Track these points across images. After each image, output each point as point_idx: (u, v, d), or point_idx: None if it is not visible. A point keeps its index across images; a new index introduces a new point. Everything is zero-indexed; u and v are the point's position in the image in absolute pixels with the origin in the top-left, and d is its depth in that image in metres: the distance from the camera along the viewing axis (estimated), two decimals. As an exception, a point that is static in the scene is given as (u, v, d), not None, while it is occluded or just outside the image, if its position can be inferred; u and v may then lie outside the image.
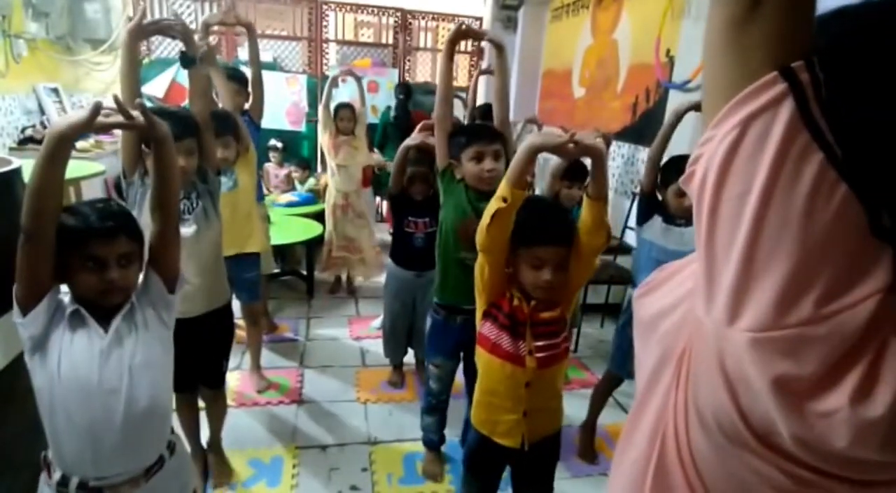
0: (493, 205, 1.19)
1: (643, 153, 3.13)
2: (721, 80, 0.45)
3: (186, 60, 1.56)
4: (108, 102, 1.00)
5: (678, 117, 1.84)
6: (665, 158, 1.88)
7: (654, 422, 0.56)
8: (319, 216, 3.64)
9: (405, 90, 4.46)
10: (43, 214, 0.95)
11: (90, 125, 0.94)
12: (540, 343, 1.29)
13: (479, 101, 4.00)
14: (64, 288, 1.05)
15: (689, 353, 0.51)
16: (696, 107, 1.81)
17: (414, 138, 2.13)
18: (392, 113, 4.45)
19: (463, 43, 6.36)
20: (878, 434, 0.38)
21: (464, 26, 1.70)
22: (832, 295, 0.39)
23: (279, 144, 4.24)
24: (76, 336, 1.01)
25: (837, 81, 0.40)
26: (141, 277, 1.11)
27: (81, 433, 1.01)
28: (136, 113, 1.00)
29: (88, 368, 1.00)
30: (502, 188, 1.18)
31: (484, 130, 1.72)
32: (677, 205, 1.86)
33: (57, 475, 1.04)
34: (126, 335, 1.05)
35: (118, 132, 1.52)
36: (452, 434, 2.08)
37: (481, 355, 1.36)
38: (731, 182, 0.42)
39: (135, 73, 1.51)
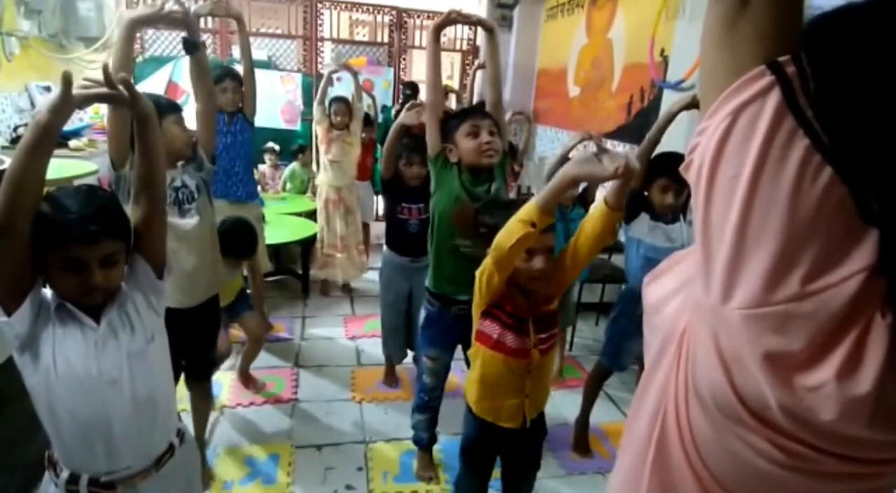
0: (520, 229, 1.16)
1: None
2: (715, 74, 0.48)
3: (190, 46, 1.59)
4: (97, 75, 0.94)
5: (670, 118, 1.84)
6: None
7: (656, 400, 0.59)
8: (314, 215, 3.64)
9: (412, 87, 4.43)
10: (18, 207, 0.88)
11: (68, 100, 0.88)
12: (542, 336, 1.36)
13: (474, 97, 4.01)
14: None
15: (689, 334, 0.54)
16: (688, 106, 1.81)
17: (409, 117, 2.10)
18: (395, 109, 4.45)
19: (459, 42, 6.30)
20: (865, 411, 0.40)
21: (453, 14, 1.68)
22: (818, 273, 0.41)
23: (276, 147, 4.24)
24: (67, 331, 0.97)
25: (825, 74, 0.42)
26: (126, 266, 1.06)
27: (88, 427, 0.98)
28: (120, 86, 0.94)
29: (85, 362, 0.97)
30: (531, 212, 1.16)
31: (476, 108, 1.74)
32: (661, 201, 1.89)
33: (65, 475, 1.01)
34: (119, 325, 1.02)
35: None
36: (449, 433, 2.09)
37: (482, 351, 1.38)
38: (723, 167, 0.45)
39: (128, 66, 1.49)
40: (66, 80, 0.86)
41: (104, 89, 0.93)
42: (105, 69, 0.93)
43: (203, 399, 1.90)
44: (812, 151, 0.41)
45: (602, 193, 1.29)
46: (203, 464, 1.92)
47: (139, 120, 1.01)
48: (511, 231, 1.18)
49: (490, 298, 1.33)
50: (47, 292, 0.99)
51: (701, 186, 0.47)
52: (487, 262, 1.28)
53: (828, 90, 0.42)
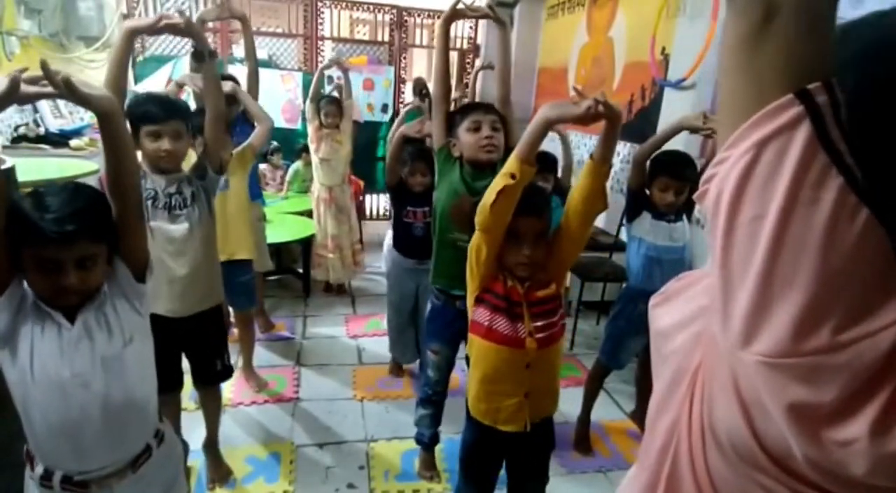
0: (500, 181, 1.14)
1: (638, 151, 3.14)
2: (734, 99, 0.44)
3: (198, 56, 1.56)
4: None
5: (676, 131, 1.85)
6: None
7: (666, 435, 0.57)
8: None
9: (425, 86, 4.32)
10: None
11: (7, 100, 0.86)
12: (539, 323, 1.27)
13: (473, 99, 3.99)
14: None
15: (704, 369, 0.51)
16: (695, 130, 1.82)
17: (411, 128, 2.13)
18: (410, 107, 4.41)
19: (458, 40, 6.30)
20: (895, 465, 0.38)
21: (460, 4, 1.65)
22: (851, 322, 0.38)
23: (278, 147, 4.24)
24: (45, 330, 0.96)
25: (857, 101, 0.39)
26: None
27: (59, 428, 0.98)
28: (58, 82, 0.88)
29: (58, 362, 0.96)
30: (510, 164, 1.14)
31: (480, 104, 1.72)
32: (661, 199, 1.90)
33: (39, 469, 1.01)
34: (95, 326, 1.00)
35: None
36: (451, 432, 2.09)
37: (475, 343, 1.32)
38: (745, 205, 0.42)
39: (124, 74, 1.43)
40: (15, 83, 0.85)
41: (44, 89, 0.88)
42: (43, 65, 0.87)
43: (212, 399, 1.89)
44: (847, 191, 0.37)
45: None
46: (219, 461, 1.93)
47: (99, 118, 0.95)
48: (493, 187, 1.16)
49: (481, 278, 1.28)
50: (28, 288, 0.98)
51: (719, 222, 0.44)
52: (475, 235, 1.25)
53: (860, 120, 0.38)
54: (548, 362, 1.32)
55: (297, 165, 4.21)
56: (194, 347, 1.74)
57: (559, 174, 2.73)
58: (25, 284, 0.98)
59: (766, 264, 0.40)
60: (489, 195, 1.16)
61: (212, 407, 1.91)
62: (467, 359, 1.90)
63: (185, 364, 1.81)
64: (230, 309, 2.45)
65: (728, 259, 0.43)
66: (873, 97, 0.39)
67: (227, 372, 1.84)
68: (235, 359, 2.60)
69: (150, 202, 1.54)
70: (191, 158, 1.79)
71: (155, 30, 1.41)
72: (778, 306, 0.40)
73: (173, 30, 1.43)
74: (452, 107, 4.07)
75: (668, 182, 1.87)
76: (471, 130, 1.62)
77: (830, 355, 0.38)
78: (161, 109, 1.50)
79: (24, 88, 0.87)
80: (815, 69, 0.40)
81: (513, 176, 1.13)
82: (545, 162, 2.49)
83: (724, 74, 0.46)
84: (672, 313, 0.58)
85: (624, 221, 2.12)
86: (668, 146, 1.95)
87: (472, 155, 1.64)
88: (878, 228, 0.37)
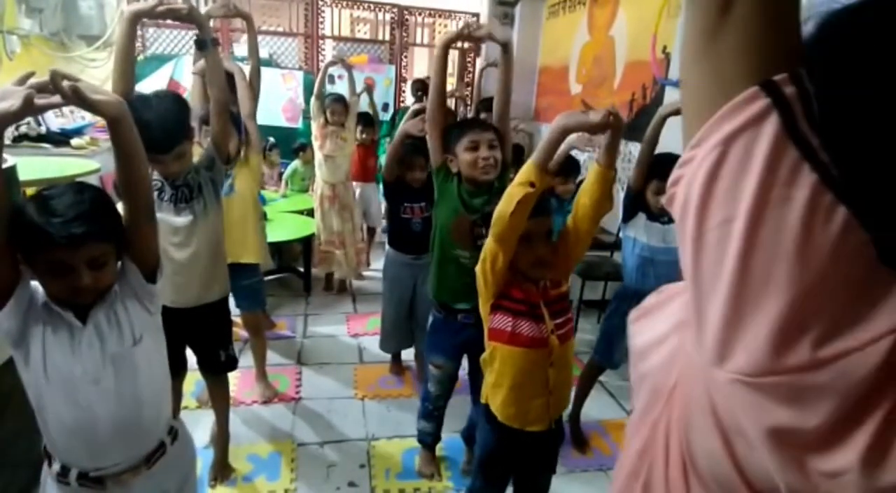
0: (518, 191, 1.14)
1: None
2: (696, 94, 0.42)
3: (201, 44, 1.54)
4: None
5: (661, 121, 1.86)
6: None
7: (636, 461, 0.53)
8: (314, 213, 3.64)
9: (422, 88, 4.35)
10: None
11: (22, 116, 0.85)
12: (559, 321, 1.31)
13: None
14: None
15: (681, 392, 0.47)
16: (677, 112, 1.83)
17: (415, 125, 2.13)
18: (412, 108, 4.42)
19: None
20: None
21: (466, 30, 1.64)
22: (833, 335, 0.34)
23: (275, 143, 4.24)
24: (56, 330, 0.97)
25: (832, 93, 0.36)
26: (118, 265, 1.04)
27: (72, 427, 0.99)
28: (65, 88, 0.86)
29: (70, 362, 0.97)
30: (529, 173, 1.15)
31: (477, 121, 1.73)
32: (655, 203, 1.92)
33: (56, 466, 1.03)
34: (107, 326, 1.00)
35: None
36: (450, 430, 2.09)
37: (499, 350, 1.32)
38: (713, 208, 0.39)
39: (131, 67, 1.42)
40: (29, 101, 0.83)
41: (53, 100, 0.86)
42: (53, 78, 0.84)
43: (219, 391, 1.88)
44: (822, 189, 0.34)
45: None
46: (224, 457, 1.92)
47: (108, 123, 0.93)
48: (510, 196, 1.16)
49: (496, 286, 1.29)
50: (37, 287, 0.98)
51: (687, 227, 0.41)
52: (489, 244, 1.25)
53: (836, 112, 0.36)
54: (566, 357, 1.36)
55: (296, 164, 4.21)
56: (198, 337, 1.74)
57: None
58: (31, 285, 0.98)
59: (738, 272, 0.37)
60: (507, 205, 1.16)
61: (219, 400, 1.89)
62: (471, 375, 1.88)
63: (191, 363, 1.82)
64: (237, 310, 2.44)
65: (699, 268, 0.40)
66: (847, 86, 0.36)
67: (232, 363, 1.84)
68: (239, 358, 2.61)
69: (156, 194, 1.53)
70: (196, 149, 1.78)
71: (156, 14, 1.40)
72: (752, 317, 0.37)
73: (175, 15, 1.42)
74: (453, 106, 4.08)
75: (661, 186, 1.89)
76: (469, 149, 1.62)
77: (813, 373, 0.35)
78: (163, 138, 1.43)
79: (39, 101, 0.85)
80: (781, 60, 0.37)
81: (532, 184, 1.15)
82: (569, 165, 2.48)
83: (686, 70, 0.43)
84: (649, 330, 0.54)
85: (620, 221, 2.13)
86: (670, 147, 1.95)
87: (471, 174, 1.64)
88: (858, 229, 0.34)
